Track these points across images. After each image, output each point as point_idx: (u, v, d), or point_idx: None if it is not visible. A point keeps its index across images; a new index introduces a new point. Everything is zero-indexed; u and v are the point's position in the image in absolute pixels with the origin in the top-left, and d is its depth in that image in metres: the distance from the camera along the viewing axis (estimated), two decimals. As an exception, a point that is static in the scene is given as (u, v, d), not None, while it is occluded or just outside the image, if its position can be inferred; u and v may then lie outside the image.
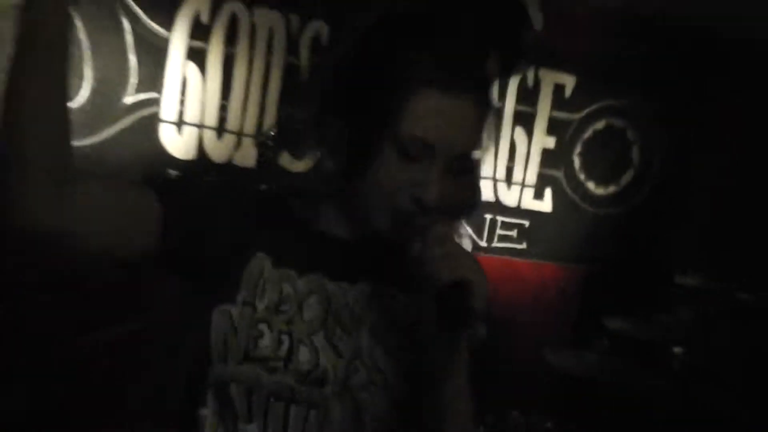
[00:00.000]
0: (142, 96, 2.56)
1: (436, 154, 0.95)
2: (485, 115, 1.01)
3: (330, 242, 1.08)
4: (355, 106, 0.97)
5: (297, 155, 2.59)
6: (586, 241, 3.24)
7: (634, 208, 3.30)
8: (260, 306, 1.06)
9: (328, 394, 1.05)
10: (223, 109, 2.64)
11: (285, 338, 1.06)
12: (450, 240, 0.97)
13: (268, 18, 2.62)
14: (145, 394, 2.39)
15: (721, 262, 2.79)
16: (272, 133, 2.62)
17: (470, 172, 1.03)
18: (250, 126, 2.65)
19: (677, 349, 2.60)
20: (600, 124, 3.20)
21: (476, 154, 1.02)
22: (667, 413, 2.63)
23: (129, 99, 2.54)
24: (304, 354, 1.04)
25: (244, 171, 2.65)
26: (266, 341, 1.04)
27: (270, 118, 2.68)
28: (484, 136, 1.03)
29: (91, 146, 2.48)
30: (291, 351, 1.04)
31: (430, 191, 0.95)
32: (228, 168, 2.63)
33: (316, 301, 1.07)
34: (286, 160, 2.63)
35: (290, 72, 2.68)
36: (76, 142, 2.32)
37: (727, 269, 2.73)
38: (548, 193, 3.17)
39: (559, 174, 3.16)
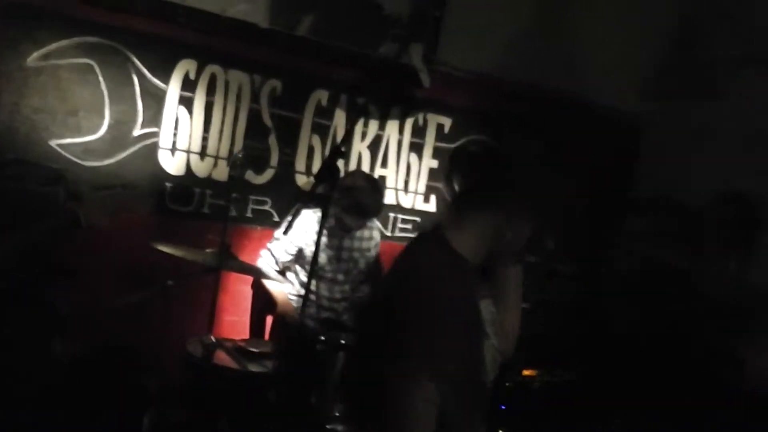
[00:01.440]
0: (146, 130, 3.26)
1: None
2: None
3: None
4: None
5: (257, 172, 3.53)
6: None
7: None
8: None
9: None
10: (204, 139, 3.36)
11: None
12: None
13: (238, 77, 3.39)
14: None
15: (547, 244, 3.62)
16: (240, 156, 3.42)
17: None
18: (224, 151, 3.40)
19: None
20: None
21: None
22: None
23: (137, 132, 3.23)
24: None
25: (219, 183, 3.41)
26: None
27: (238, 146, 3.41)
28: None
29: (110, 165, 3.18)
30: None
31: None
32: (208, 181, 3.40)
33: None
34: (250, 175, 3.52)
35: (253, 115, 3.45)
36: (99, 163, 3.17)
37: (550, 249, 3.60)
38: (433, 198, 4.00)
39: (440, 185, 3.99)
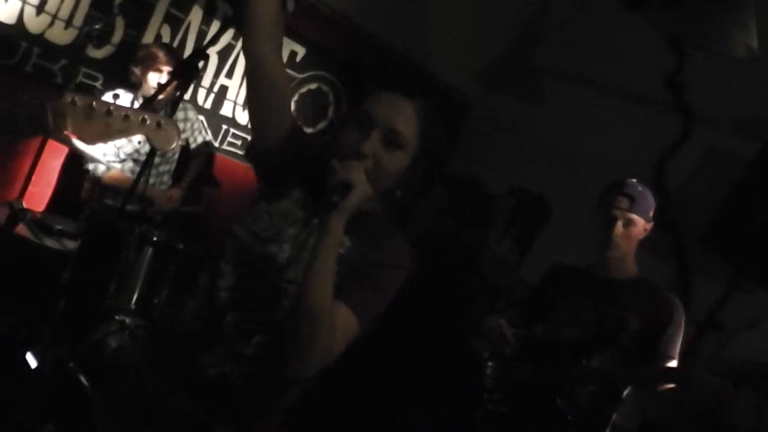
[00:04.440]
0: (-21, -35, 2.89)
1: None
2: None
3: None
4: None
5: (96, 46, 3.34)
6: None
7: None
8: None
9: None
10: (46, -6, 3.07)
11: None
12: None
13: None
14: None
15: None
16: (96, 28, 3.17)
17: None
18: (64, 13, 3.14)
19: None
20: (313, 85, 4.08)
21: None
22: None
23: (-34, -37, 2.86)
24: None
25: (51, 44, 3.16)
26: None
27: (81, 11, 3.17)
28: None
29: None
30: None
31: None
32: (39, 39, 3.13)
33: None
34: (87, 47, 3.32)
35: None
36: None
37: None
38: (268, 123, 4.11)
39: (278, 111, 4.10)
